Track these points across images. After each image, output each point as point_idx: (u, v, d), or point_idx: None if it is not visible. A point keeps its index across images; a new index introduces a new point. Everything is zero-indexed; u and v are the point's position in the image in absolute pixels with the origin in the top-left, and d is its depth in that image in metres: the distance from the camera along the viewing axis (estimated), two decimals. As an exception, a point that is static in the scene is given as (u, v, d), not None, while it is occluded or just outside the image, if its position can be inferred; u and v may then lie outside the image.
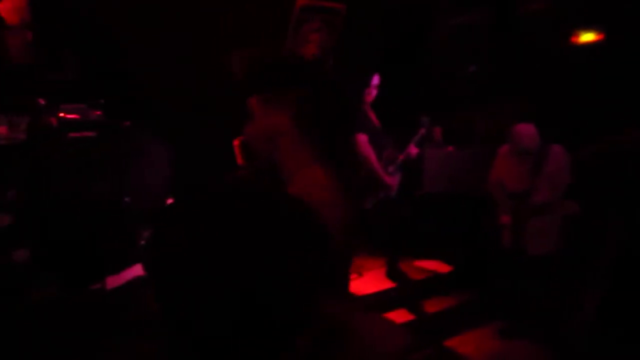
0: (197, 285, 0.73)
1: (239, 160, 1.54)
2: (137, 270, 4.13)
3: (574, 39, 5.22)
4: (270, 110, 1.42)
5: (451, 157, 5.20)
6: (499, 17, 5.49)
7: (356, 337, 0.89)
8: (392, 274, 4.54)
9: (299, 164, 1.43)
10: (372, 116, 4.24)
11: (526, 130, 4.07)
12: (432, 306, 4.42)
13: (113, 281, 3.87)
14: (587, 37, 5.19)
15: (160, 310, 0.78)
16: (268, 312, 0.72)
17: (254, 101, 1.39)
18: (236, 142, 1.46)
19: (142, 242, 4.26)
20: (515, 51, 5.35)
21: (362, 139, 4.02)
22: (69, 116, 3.87)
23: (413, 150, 4.35)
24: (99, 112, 3.94)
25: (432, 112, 4.56)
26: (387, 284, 4.43)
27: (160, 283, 0.78)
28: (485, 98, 5.38)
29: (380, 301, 4.19)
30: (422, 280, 4.73)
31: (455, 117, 5.44)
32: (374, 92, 4.11)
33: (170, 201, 4.27)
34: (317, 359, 0.80)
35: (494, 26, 5.47)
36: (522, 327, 4.16)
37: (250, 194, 0.79)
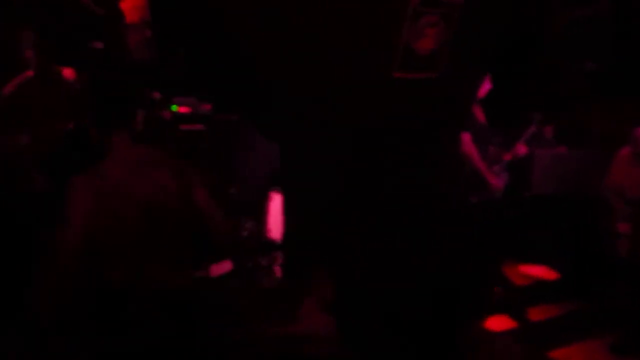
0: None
1: None
2: (238, 260, 4.28)
3: None
4: None
5: (563, 158, 4.94)
6: (620, 8, 5.13)
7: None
8: (494, 278, 4.38)
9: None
10: (479, 112, 4.10)
11: (650, 132, 3.79)
12: (536, 314, 4.22)
13: (217, 269, 4.04)
14: None
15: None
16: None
17: None
18: None
19: (245, 233, 4.41)
20: (637, 45, 4.98)
21: (466, 137, 3.92)
22: (181, 110, 4.07)
23: (521, 149, 4.16)
24: (208, 106, 4.11)
25: (544, 109, 4.35)
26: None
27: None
28: (603, 96, 5.05)
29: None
30: (526, 287, 4.54)
31: (569, 115, 5.15)
32: (484, 88, 3.97)
33: (274, 194, 4.38)
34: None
35: (615, 19, 5.12)
36: (637, 342, 3.88)
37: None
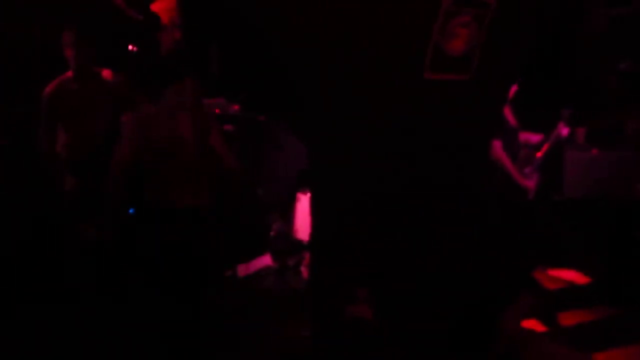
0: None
1: None
2: (266, 260, 4.30)
3: None
4: None
5: (595, 160, 4.84)
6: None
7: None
8: (526, 282, 4.30)
9: None
10: (509, 115, 4.05)
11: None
12: (567, 319, 4.14)
13: (244, 269, 4.07)
14: None
15: None
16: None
17: None
18: None
19: (272, 233, 4.43)
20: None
21: (497, 144, 3.90)
22: (209, 110, 4.11)
23: (563, 130, 4.04)
24: (237, 107, 4.14)
25: (576, 110, 4.27)
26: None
27: None
28: (638, 97, 4.93)
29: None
30: (558, 291, 4.46)
31: (602, 117, 5.04)
32: (512, 89, 3.94)
33: (301, 194, 4.39)
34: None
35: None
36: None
37: None
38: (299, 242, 4.37)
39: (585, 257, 4.78)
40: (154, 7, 3.76)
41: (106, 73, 3.71)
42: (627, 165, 4.37)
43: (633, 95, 4.96)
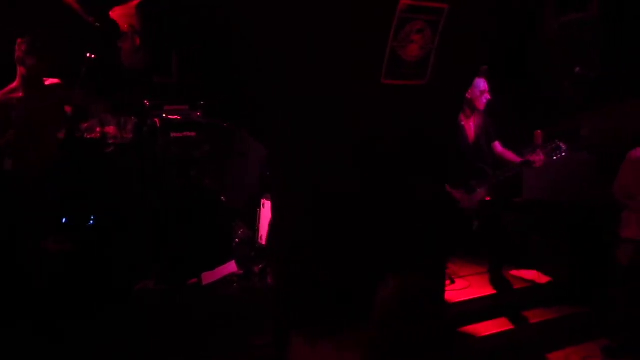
0: None
1: None
2: (231, 267, 4.26)
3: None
4: None
5: (553, 162, 4.94)
6: (611, 12, 5.15)
7: None
8: (495, 281, 4.34)
9: None
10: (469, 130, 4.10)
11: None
12: (530, 317, 4.22)
13: (208, 277, 4.02)
14: None
15: None
16: None
17: None
18: None
19: (237, 240, 4.40)
20: (628, 50, 4.99)
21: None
22: (171, 117, 4.06)
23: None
24: (199, 113, 4.11)
25: (534, 114, 4.37)
26: (480, 292, 4.27)
27: None
28: (594, 100, 5.06)
29: (475, 309, 4.06)
30: (520, 290, 4.53)
31: (560, 120, 5.16)
32: (483, 100, 3.98)
33: (265, 200, 4.37)
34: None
35: (605, 23, 5.13)
36: (630, 347, 3.87)
37: None
38: (264, 248, 4.35)
39: (544, 257, 4.87)
40: (113, 14, 3.69)
41: (53, 82, 3.60)
42: (582, 167, 4.46)
43: (587, 98, 5.10)
